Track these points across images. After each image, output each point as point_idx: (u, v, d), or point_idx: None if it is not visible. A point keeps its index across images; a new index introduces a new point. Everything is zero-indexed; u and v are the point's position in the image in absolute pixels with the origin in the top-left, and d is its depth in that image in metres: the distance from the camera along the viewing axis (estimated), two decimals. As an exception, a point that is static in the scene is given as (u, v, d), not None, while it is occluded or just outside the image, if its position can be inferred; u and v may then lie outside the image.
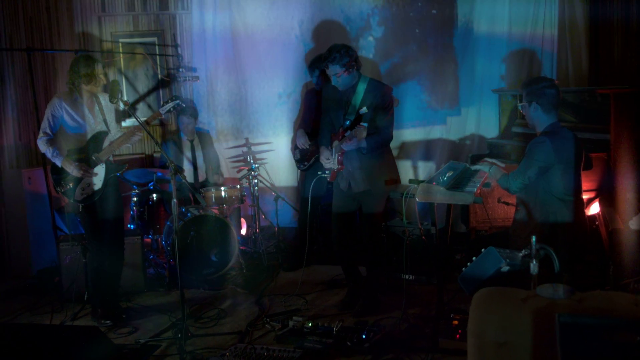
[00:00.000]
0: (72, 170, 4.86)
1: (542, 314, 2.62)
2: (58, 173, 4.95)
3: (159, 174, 6.35)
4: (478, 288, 2.90)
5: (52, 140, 4.88)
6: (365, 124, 4.59)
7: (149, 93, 7.39)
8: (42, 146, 4.89)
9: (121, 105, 4.78)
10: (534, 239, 2.98)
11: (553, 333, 2.47)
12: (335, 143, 4.89)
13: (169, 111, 5.50)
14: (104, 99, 5.01)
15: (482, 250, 3.18)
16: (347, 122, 4.86)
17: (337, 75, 4.78)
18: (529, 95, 4.18)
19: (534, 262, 2.98)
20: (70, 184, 4.93)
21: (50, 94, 6.78)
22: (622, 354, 2.31)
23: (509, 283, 3.03)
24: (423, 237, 5.32)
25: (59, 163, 4.88)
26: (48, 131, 4.89)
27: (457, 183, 4.29)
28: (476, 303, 2.81)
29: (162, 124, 7.38)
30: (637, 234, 4.49)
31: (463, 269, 3.23)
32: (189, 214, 6.05)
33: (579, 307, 2.63)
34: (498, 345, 2.68)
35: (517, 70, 6.88)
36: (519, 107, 4.33)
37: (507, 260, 3.09)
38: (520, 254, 3.08)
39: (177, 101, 5.53)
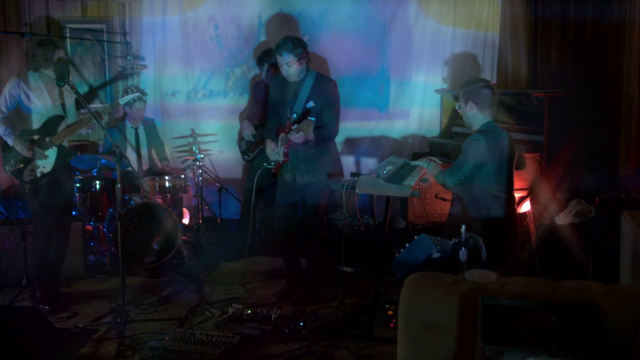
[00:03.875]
0: (22, 150, 4.85)
1: (468, 297, 2.79)
2: (8, 152, 4.93)
3: (103, 160, 6.34)
4: (410, 273, 3.05)
5: (6, 119, 4.86)
6: (313, 119, 4.67)
7: (96, 80, 7.34)
8: None
9: (68, 89, 4.80)
10: (463, 227, 3.15)
11: (477, 314, 2.63)
12: (282, 135, 4.98)
13: (127, 103, 5.53)
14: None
15: (415, 237, 3.33)
16: (294, 116, 4.95)
17: (289, 64, 4.87)
18: (466, 95, 4.36)
19: (463, 249, 3.14)
20: (20, 165, 4.91)
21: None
22: (538, 333, 2.48)
23: (439, 269, 3.18)
24: (362, 228, 5.45)
25: (10, 142, 4.86)
26: (3, 109, 4.88)
27: (396, 177, 4.44)
28: (407, 286, 2.96)
29: (108, 110, 7.34)
30: (562, 229, 4.73)
31: (396, 254, 3.37)
32: (132, 202, 6.05)
33: (501, 291, 2.80)
34: (426, 325, 2.83)
35: (460, 72, 7.09)
36: (456, 107, 4.51)
37: (438, 247, 3.25)
38: (451, 242, 3.24)
39: (137, 93, 5.55)
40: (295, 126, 4.77)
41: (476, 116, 4.36)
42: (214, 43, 7.29)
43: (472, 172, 4.25)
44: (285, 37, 4.95)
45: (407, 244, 3.34)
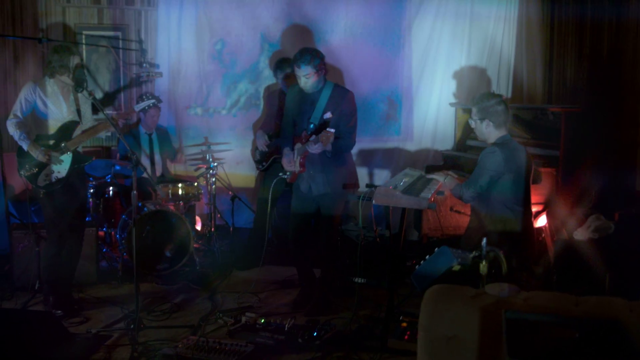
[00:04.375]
0: (37, 154, 4.86)
1: (489, 311, 2.76)
2: (24, 157, 4.94)
3: (117, 167, 6.35)
4: (430, 285, 3.03)
5: (21, 124, 4.88)
6: (333, 130, 4.64)
7: (111, 87, 7.37)
8: (11, 128, 4.88)
9: (86, 95, 4.83)
10: (484, 241, 3.13)
11: (499, 328, 2.62)
12: (298, 145, 4.97)
13: (142, 109, 5.55)
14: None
15: (436, 249, 3.32)
16: (311, 126, 4.95)
17: (308, 76, 4.86)
18: (481, 112, 4.34)
19: (484, 262, 3.12)
20: (35, 170, 4.93)
21: (9, 79, 6.72)
22: (563, 348, 2.46)
23: (459, 282, 3.16)
24: (377, 239, 5.44)
25: (25, 146, 4.88)
26: (18, 114, 4.90)
27: (413, 189, 4.43)
28: (428, 298, 2.94)
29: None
30: (581, 244, 4.71)
31: (416, 266, 3.35)
32: (145, 209, 6.06)
33: (524, 305, 2.78)
34: (447, 338, 2.81)
35: (476, 86, 7.10)
36: (471, 123, 4.48)
37: (459, 259, 3.23)
38: (471, 255, 3.23)
39: (153, 100, 5.57)
40: (313, 137, 4.75)
41: (492, 132, 4.35)
42: (227, 54, 7.31)
43: (488, 184, 4.23)
44: (302, 48, 4.93)
45: (427, 256, 3.33)
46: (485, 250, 3.15)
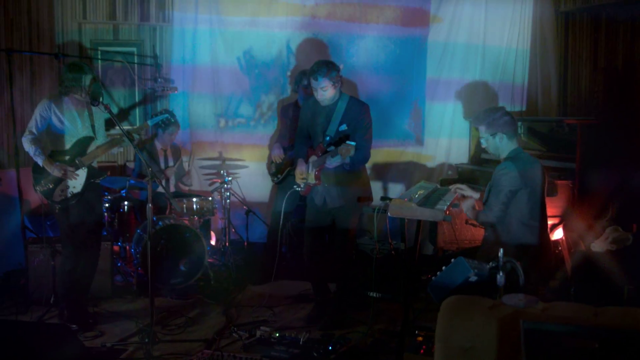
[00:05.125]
0: (53, 170, 4.91)
1: (507, 321, 2.74)
2: (39, 172, 4.99)
3: (132, 181, 6.38)
4: (447, 296, 3.01)
5: (36, 140, 4.94)
6: (354, 143, 4.60)
7: (126, 102, 7.43)
8: (26, 144, 4.94)
9: (102, 109, 4.86)
10: (501, 251, 3.10)
11: (517, 339, 2.59)
12: (313, 158, 4.97)
13: (157, 124, 5.58)
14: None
15: (452, 260, 3.29)
16: (327, 139, 4.95)
17: (324, 89, 4.86)
18: (492, 127, 4.28)
19: (501, 273, 3.09)
20: (50, 185, 4.97)
21: (26, 96, 6.77)
22: (582, 359, 2.42)
23: (475, 293, 3.13)
24: (392, 252, 5.41)
25: (40, 162, 4.92)
26: (34, 130, 4.96)
27: (428, 201, 4.41)
28: (445, 310, 2.92)
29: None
30: (599, 256, 4.67)
31: (433, 277, 3.33)
32: (160, 223, 6.07)
33: (542, 316, 2.75)
34: (464, 350, 2.78)
35: (491, 98, 7.09)
36: (482, 142, 4.42)
37: (476, 270, 3.20)
38: (488, 266, 3.20)
39: (167, 115, 5.61)
40: (331, 148, 4.74)
41: (505, 145, 4.31)
42: (243, 70, 7.33)
43: (509, 199, 4.16)
44: (318, 61, 4.94)
45: (443, 267, 3.31)
46: (502, 261, 3.12)
